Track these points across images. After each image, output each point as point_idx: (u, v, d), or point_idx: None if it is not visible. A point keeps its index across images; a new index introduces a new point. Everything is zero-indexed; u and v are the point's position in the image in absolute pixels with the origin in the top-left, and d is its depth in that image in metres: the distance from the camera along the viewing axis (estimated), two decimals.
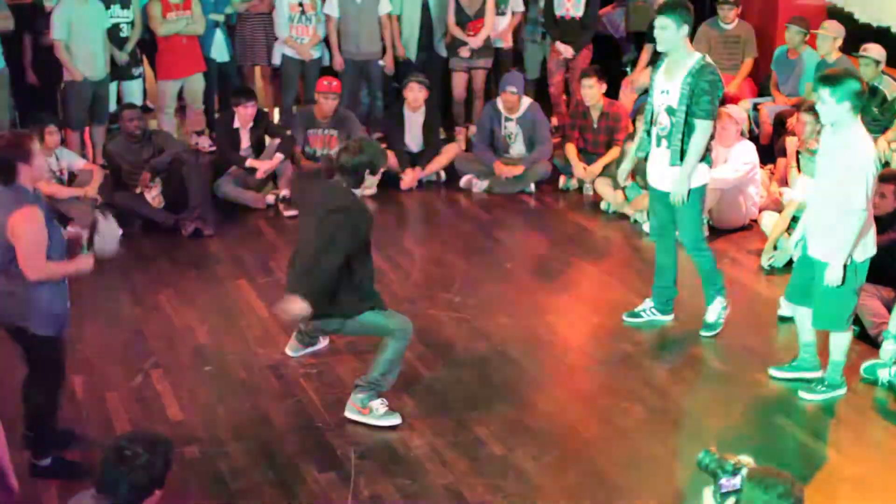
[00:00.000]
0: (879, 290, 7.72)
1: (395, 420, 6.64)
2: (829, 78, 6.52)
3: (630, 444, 6.54)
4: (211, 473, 6.16)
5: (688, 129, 7.30)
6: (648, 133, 7.61)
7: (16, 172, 5.67)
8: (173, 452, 4.35)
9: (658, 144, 7.53)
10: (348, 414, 6.68)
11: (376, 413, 6.64)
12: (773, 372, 7.23)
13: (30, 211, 5.62)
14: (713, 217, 9.54)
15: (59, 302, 5.92)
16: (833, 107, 6.44)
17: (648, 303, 8.02)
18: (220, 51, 11.76)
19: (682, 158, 7.35)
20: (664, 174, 7.53)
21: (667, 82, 7.41)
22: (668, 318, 8.01)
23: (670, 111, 7.36)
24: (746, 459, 4.14)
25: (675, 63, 7.39)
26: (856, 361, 7.29)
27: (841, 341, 6.91)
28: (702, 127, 7.29)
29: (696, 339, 7.79)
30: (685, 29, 7.33)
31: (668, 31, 7.29)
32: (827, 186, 6.62)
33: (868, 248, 6.74)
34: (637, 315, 8.01)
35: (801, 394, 7.00)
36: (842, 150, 6.51)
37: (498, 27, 11.80)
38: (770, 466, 4.22)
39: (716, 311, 7.77)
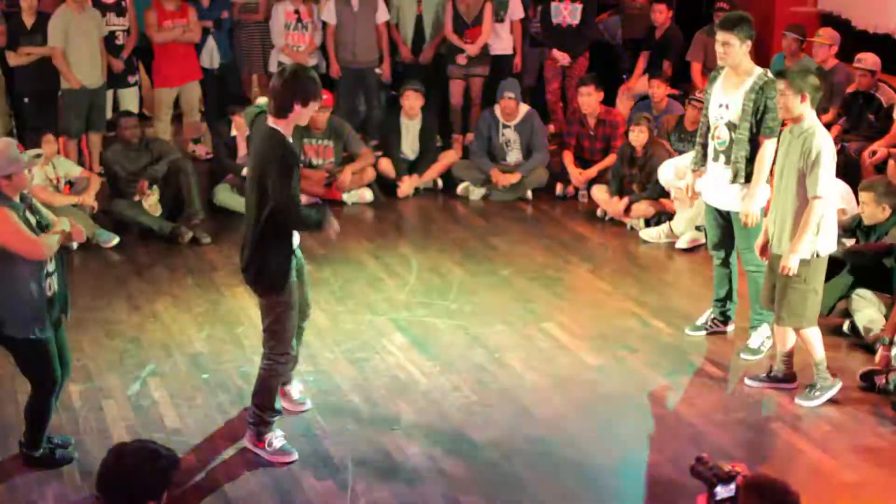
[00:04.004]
0: (875, 296, 7.74)
1: (292, 457, 6.32)
2: (788, 72, 6.67)
3: (627, 451, 6.54)
4: (208, 481, 6.16)
5: (751, 148, 7.16)
6: (704, 146, 7.49)
7: None
8: (176, 468, 4.32)
9: (716, 159, 7.38)
10: (247, 444, 6.43)
11: (271, 448, 6.35)
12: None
13: None
14: None
15: (35, 303, 5.91)
16: (791, 98, 6.58)
17: (710, 314, 7.97)
18: (211, 58, 11.78)
19: (745, 177, 7.20)
20: (721, 191, 7.41)
21: (725, 95, 7.28)
22: (730, 327, 7.96)
23: (731, 126, 7.24)
24: (741, 467, 4.15)
25: (734, 76, 7.25)
26: (852, 368, 7.31)
27: (812, 339, 6.93)
28: (768, 144, 7.13)
29: (693, 346, 7.80)
30: (748, 44, 7.18)
31: (731, 48, 7.13)
32: (789, 181, 6.69)
33: (831, 243, 6.79)
34: (699, 328, 7.97)
35: (798, 401, 7.01)
36: (800, 142, 6.61)
37: (500, 34, 11.82)
38: (765, 473, 4.22)
39: (760, 338, 7.63)
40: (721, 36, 7.17)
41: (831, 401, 7.02)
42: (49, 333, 6.01)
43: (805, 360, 7.15)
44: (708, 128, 7.44)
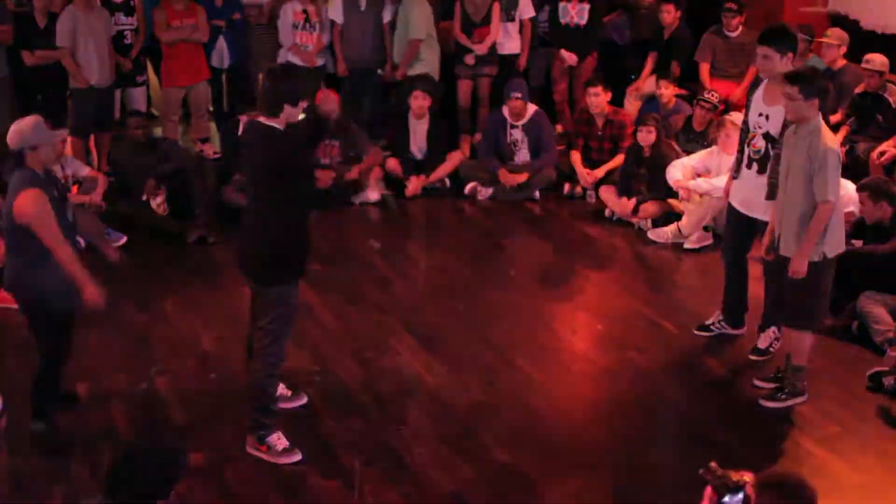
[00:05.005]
0: (885, 297, 7.73)
1: (296, 457, 6.35)
2: (799, 76, 6.62)
3: (635, 451, 6.53)
4: (216, 481, 6.16)
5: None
6: (741, 152, 7.42)
7: (22, 157, 6.19)
8: (185, 466, 4.32)
9: (749, 166, 7.33)
10: (249, 449, 6.42)
11: (274, 450, 6.36)
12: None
13: (27, 194, 6.10)
14: (718, 225, 9.55)
15: (64, 278, 6.25)
16: (801, 103, 6.54)
17: (718, 316, 7.94)
18: (221, 58, 11.79)
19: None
20: (752, 200, 7.33)
21: (766, 106, 7.20)
22: (740, 331, 7.91)
23: (769, 138, 7.18)
24: (748, 476, 4.14)
25: (776, 86, 7.07)
26: (861, 369, 7.30)
27: (803, 344, 6.91)
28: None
29: (701, 347, 7.79)
30: (789, 56, 7.12)
31: (770, 61, 7.09)
32: (794, 183, 6.65)
33: (838, 245, 6.77)
34: (707, 329, 7.95)
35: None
36: (806, 145, 6.58)
37: (510, 34, 11.79)
38: (776, 470, 4.23)
39: (769, 338, 7.61)
40: (760, 49, 7.12)
41: (839, 402, 7.03)
42: (75, 303, 6.36)
43: (816, 363, 7.15)
44: (747, 133, 7.38)
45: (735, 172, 7.50)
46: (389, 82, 11.76)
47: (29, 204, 6.09)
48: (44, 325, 6.43)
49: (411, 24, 11.46)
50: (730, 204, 7.61)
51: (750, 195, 7.36)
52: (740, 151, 7.44)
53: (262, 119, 6.10)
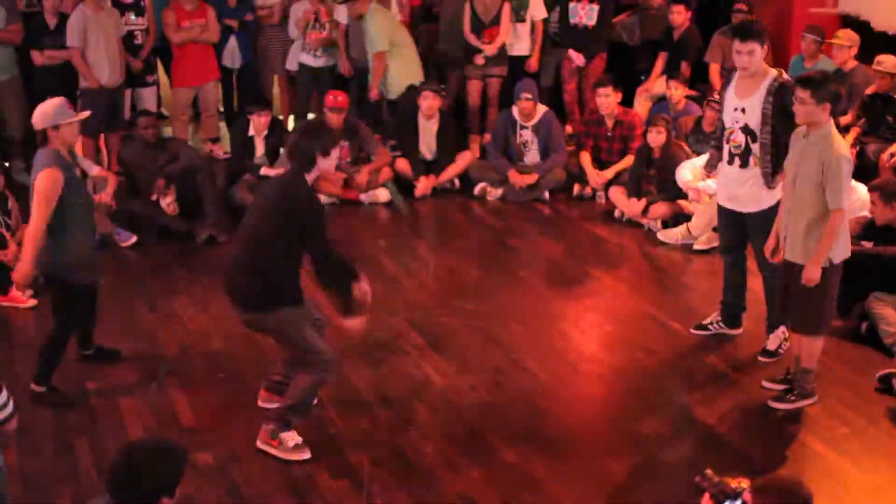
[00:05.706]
0: (894, 299, 7.72)
1: (305, 455, 6.35)
2: (811, 81, 6.60)
3: (644, 452, 6.52)
4: (224, 480, 6.17)
5: (776, 150, 7.09)
6: (718, 149, 7.48)
7: (46, 137, 6.75)
8: (185, 464, 4.33)
9: (730, 162, 7.35)
10: (259, 444, 6.44)
11: (285, 446, 6.37)
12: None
13: (45, 173, 6.63)
14: None
15: (84, 252, 6.85)
16: (813, 108, 6.52)
17: (716, 316, 7.94)
18: (232, 58, 11.80)
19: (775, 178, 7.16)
20: (737, 195, 7.38)
21: (740, 99, 7.25)
22: (737, 331, 7.91)
23: (748, 131, 7.21)
24: (745, 482, 4.13)
25: (749, 80, 7.22)
26: (870, 370, 7.28)
27: (814, 348, 6.88)
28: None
29: (710, 348, 7.77)
30: (765, 49, 7.20)
31: (755, 56, 7.13)
32: (803, 189, 6.63)
33: (844, 250, 6.75)
34: (705, 328, 7.96)
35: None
36: (817, 150, 6.55)
37: (520, 35, 11.77)
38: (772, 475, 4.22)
39: (778, 339, 7.58)
40: (746, 46, 7.14)
41: (847, 403, 7.01)
42: (92, 279, 7.05)
43: (825, 365, 7.13)
44: (723, 130, 7.41)
45: (711, 169, 7.55)
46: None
47: (41, 181, 6.61)
48: (61, 295, 6.91)
49: (371, 38, 11.29)
50: (718, 204, 7.65)
51: (734, 191, 7.40)
52: (719, 149, 7.48)
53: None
